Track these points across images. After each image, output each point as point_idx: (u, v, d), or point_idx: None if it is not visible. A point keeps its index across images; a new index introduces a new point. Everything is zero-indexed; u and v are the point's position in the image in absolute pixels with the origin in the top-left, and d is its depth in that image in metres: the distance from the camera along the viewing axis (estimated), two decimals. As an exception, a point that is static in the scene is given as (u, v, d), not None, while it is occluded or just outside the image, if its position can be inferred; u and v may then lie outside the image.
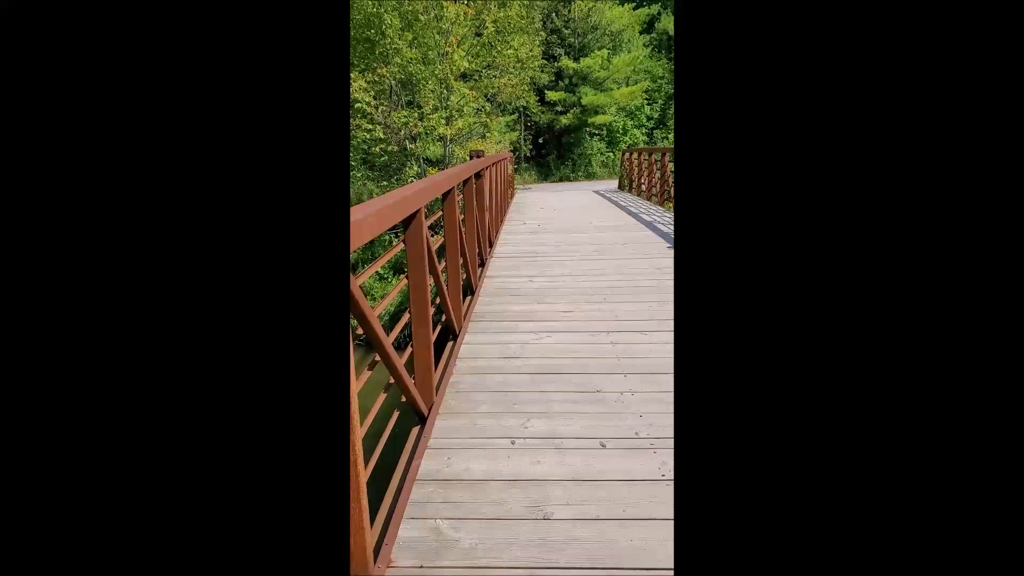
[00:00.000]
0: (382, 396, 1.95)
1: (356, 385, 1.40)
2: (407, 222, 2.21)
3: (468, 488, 1.84)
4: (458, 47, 9.61)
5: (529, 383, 2.57)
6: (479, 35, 10.41)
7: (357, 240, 1.42)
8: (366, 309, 1.56)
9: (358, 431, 1.38)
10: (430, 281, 2.60)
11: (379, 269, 8.01)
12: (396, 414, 2.12)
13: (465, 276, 4.02)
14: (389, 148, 9.67)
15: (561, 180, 17.56)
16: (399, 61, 9.11)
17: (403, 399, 2.17)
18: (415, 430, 2.26)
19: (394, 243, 2.03)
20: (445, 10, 9.32)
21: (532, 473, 1.91)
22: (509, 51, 10.39)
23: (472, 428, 2.21)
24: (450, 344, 3.13)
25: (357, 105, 9.31)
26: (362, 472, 1.41)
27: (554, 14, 17.88)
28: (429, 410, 2.33)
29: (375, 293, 8.13)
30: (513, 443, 2.10)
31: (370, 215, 1.51)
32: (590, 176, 17.95)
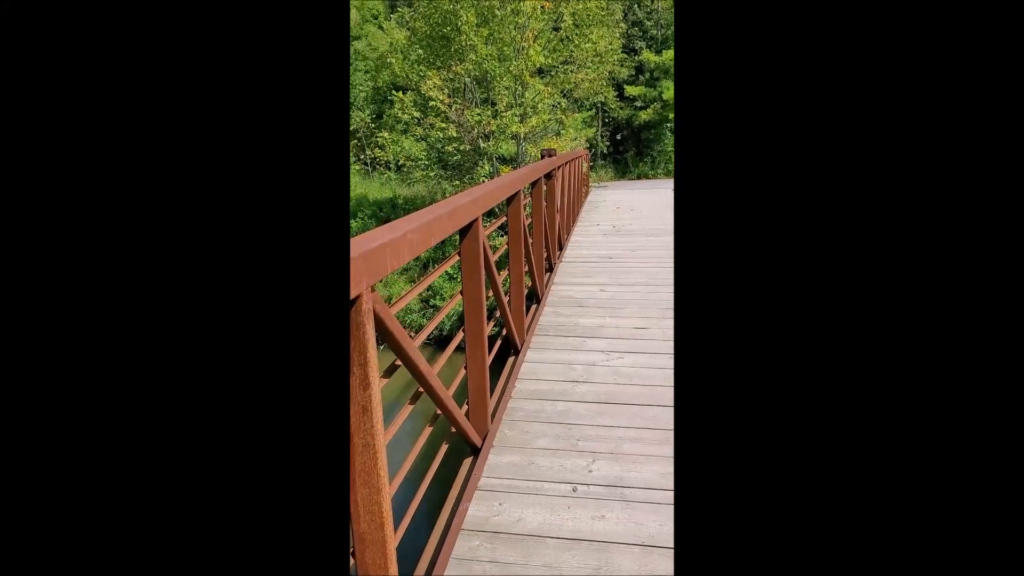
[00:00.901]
0: (427, 431, 1.74)
1: (384, 435, 1.18)
2: (463, 231, 1.99)
3: (519, 545, 1.59)
4: (534, 42, 9.34)
5: (596, 415, 2.28)
6: (556, 29, 10.08)
7: (395, 260, 1.20)
8: (403, 339, 1.34)
9: (386, 490, 1.16)
10: (489, 295, 2.37)
11: (448, 269, 7.94)
12: (444, 447, 1.90)
13: (530, 284, 3.77)
14: (462, 147, 9.57)
15: (639, 178, 16.89)
16: (474, 58, 8.96)
17: (452, 429, 1.95)
18: (466, 462, 2.04)
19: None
20: (522, 4, 9.07)
21: (594, 531, 1.63)
22: (587, 45, 9.96)
23: (529, 467, 1.96)
24: (511, 360, 2.89)
25: (432, 103, 9.28)
26: (390, 537, 1.19)
27: (636, 5, 17.18)
28: (483, 441, 2.10)
29: (444, 293, 8.06)
30: (574, 490, 1.82)
31: (412, 230, 1.29)
32: (670, 174, 17.11)
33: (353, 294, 1.02)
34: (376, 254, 1.09)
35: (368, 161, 13.66)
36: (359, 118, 13.84)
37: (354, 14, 16.96)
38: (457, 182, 10.14)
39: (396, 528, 1.39)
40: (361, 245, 1.07)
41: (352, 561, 1.19)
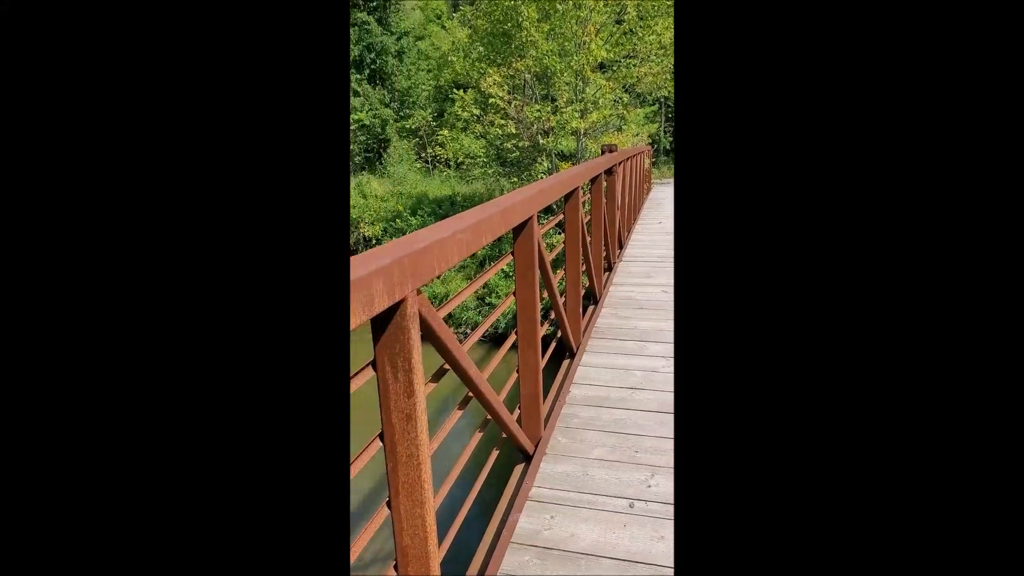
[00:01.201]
0: (476, 436, 1.68)
1: (429, 445, 1.12)
2: (518, 230, 1.92)
3: (572, 564, 1.50)
4: (596, 36, 9.12)
5: (656, 425, 2.15)
6: (619, 22, 9.81)
7: (443, 262, 1.14)
8: (450, 342, 1.28)
9: (429, 503, 1.10)
10: (544, 296, 2.28)
11: (504, 267, 7.92)
12: (495, 453, 1.84)
13: (588, 284, 3.66)
14: (521, 144, 9.51)
15: (703, 174, 16.26)
16: (534, 54, 8.87)
17: (503, 434, 1.88)
18: (517, 469, 1.97)
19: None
20: (584, -3, 8.89)
21: (654, 553, 1.52)
22: (651, 37, 9.61)
23: (583, 479, 1.86)
24: (566, 363, 2.80)
25: (491, 100, 9.27)
26: (434, 552, 1.14)
27: (703, -6, 16.49)
28: (535, 447, 2.03)
29: (500, 291, 8.03)
30: (632, 506, 1.71)
31: (461, 230, 1.22)
32: (737, 169, 16.36)
33: (398, 297, 0.96)
34: (423, 256, 1.03)
35: (429, 159, 13.87)
36: (420, 117, 14.09)
37: (418, 14, 17.27)
38: (515, 179, 10.10)
39: (442, 540, 1.33)
40: (407, 246, 1.02)
41: (395, 574, 1.14)
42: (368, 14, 13.96)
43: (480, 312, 8.01)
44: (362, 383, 1.01)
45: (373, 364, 1.04)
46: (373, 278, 0.87)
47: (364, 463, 1.05)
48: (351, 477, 1.03)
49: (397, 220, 10.52)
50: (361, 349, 1.08)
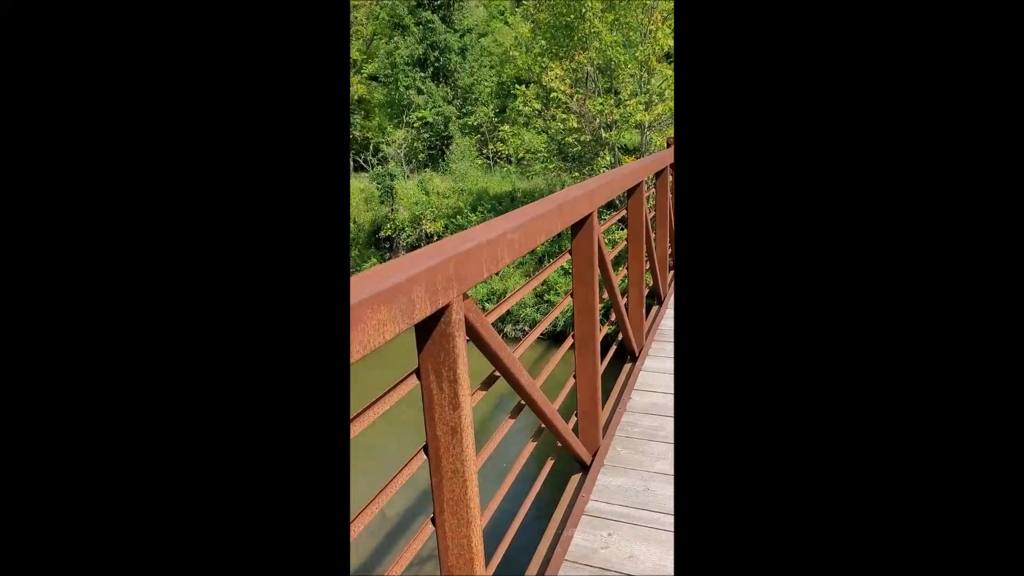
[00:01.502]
0: (529, 446, 1.60)
1: (476, 460, 1.05)
2: (576, 227, 1.81)
3: (629, 589, 1.39)
4: (663, 24, 8.78)
5: (724, 439, 1.99)
6: (688, 8, 9.41)
7: (493, 263, 1.06)
8: (500, 349, 1.20)
9: (476, 522, 1.03)
10: (603, 296, 2.17)
11: (564, 264, 7.81)
12: (549, 464, 1.75)
13: (652, 283, 3.49)
14: (582, 138, 9.31)
15: (777, 166, 15.40)
16: (598, 45, 8.64)
17: (559, 443, 1.79)
18: (573, 479, 1.88)
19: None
20: (651, -16, 8.56)
21: (721, 583, 1.38)
22: (722, 22, 9.16)
23: (644, 494, 1.74)
24: (627, 367, 2.66)
25: (553, 95, 9.12)
26: (481, 573, 1.06)
27: (780, -24, 15.57)
28: (592, 457, 1.92)
29: (559, 288, 7.91)
30: (697, 528, 1.58)
31: (512, 229, 1.14)
32: (814, 161, 15.37)
33: (441, 303, 0.89)
34: (469, 258, 0.96)
35: (490, 155, 13.91)
36: (482, 113, 14.13)
37: (481, 11, 17.34)
38: (577, 174, 9.92)
39: (490, 559, 1.26)
40: (453, 247, 0.95)
41: (440, 594, 1.08)
42: (432, 12, 14.12)
43: (539, 309, 7.91)
44: (406, 392, 0.96)
45: (417, 372, 0.98)
46: (413, 283, 0.80)
47: (407, 477, 0.99)
48: (394, 491, 0.98)
49: (458, 216, 10.60)
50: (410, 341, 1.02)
